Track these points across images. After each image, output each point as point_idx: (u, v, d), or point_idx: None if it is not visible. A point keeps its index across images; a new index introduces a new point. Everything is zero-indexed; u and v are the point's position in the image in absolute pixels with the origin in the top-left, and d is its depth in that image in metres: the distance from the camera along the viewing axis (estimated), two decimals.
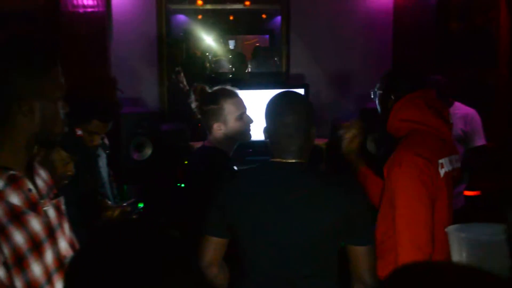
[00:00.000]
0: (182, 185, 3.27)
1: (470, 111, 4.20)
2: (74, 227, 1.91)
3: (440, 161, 2.42)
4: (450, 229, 1.83)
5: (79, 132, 2.75)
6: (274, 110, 2.17)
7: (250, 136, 2.92)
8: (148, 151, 4.19)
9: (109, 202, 2.85)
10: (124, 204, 2.90)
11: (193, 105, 2.88)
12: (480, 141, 4.15)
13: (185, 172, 3.34)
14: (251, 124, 2.90)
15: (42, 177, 1.78)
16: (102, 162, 3.11)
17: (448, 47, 4.79)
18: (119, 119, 4.09)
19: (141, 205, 4.04)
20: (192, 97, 2.88)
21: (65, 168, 2.32)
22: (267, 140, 2.19)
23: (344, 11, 5.07)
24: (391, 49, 5.09)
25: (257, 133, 2.67)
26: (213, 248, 2.21)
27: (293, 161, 2.12)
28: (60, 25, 4.07)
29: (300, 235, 2.05)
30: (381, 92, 2.61)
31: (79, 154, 2.46)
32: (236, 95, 2.87)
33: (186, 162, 3.60)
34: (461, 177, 3.11)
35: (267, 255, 2.10)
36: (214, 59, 7.42)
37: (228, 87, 2.90)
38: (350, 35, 5.10)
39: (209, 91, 2.90)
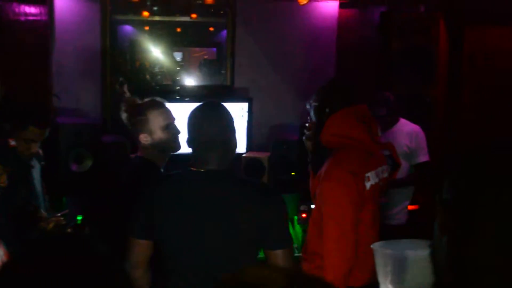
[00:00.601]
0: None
1: (415, 127, 4.29)
2: (5, 239, 1.86)
3: (367, 174, 2.51)
4: (376, 245, 1.87)
5: (13, 142, 2.70)
6: (193, 121, 2.22)
7: (178, 146, 2.92)
8: (88, 163, 4.12)
9: (44, 213, 2.80)
10: (58, 215, 2.86)
11: (123, 116, 2.88)
12: (424, 157, 4.23)
13: (118, 183, 3.32)
14: (179, 135, 2.90)
15: None
16: (36, 173, 3.05)
17: (389, 65, 4.92)
18: (58, 130, 4.01)
19: (79, 217, 3.97)
20: (123, 108, 2.89)
21: None
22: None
23: (289, 27, 5.12)
24: (334, 65, 5.16)
25: None
26: (138, 250, 2.23)
27: (210, 169, 2.16)
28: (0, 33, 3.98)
29: (215, 241, 2.09)
30: (316, 104, 2.67)
31: (12, 165, 2.42)
32: (162, 106, 2.89)
33: None
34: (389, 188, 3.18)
35: (185, 259, 2.14)
36: (159, 71, 7.38)
37: (158, 99, 2.91)
38: (295, 50, 5.15)
39: (140, 102, 2.90)
